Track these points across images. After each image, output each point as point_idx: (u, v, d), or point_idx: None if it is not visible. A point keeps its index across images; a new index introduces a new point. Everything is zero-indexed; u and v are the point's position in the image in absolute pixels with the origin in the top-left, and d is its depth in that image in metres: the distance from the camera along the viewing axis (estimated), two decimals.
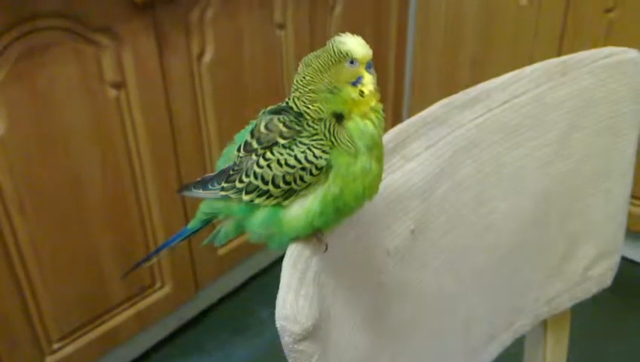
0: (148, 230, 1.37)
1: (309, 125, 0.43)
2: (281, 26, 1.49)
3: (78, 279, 1.27)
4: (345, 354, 0.49)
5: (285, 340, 0.41)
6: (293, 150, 0.42)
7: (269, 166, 0.42)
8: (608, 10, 1.52)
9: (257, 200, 0.43)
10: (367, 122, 0.44)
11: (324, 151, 0.43)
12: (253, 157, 0.43)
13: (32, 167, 1.12)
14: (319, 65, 0.44)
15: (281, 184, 0.43)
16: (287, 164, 0.42)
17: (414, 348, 0.62)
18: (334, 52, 0.44)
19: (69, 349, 1.30)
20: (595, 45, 0.71)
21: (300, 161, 0.42)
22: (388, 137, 0.56)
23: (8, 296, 1.16)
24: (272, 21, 1.47)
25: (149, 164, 1.31)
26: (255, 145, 0.43)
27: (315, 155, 0.42)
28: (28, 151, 1.10)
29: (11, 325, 1.18)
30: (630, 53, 0.71)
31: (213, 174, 0.46)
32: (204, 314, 1.68)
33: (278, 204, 0.43)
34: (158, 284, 1.46)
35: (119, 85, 1.20)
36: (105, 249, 1.30)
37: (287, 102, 0.45)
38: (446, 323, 0.66)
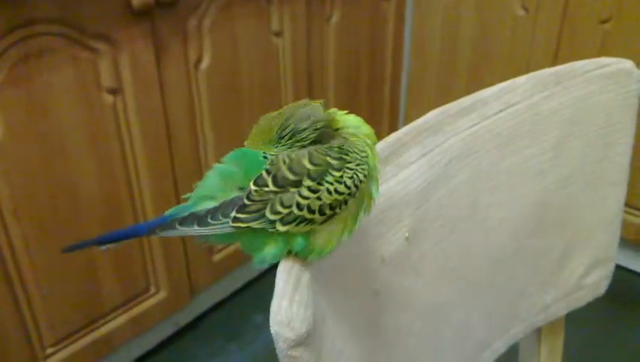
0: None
1: (352, 153, 0.45)
2: (278, 34, 1.50)
3: (72, 284, 1.27)
4: (339, 360, 0.50)
5: (279, 346, 0.41)
6: (342, 177, 0.44)
7: (318, 198, 0.43)
8: (604, 21, 1.53)
9: (294, 229, 0.43)
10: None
11: (364, 176, 0.45)
12: (292, 190, 0.43)
13: (28, 172, 1.12)
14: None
15: (327, 211, 0.44)
16: (337, 192, 0.44)
17: (409, 355, 0.62)
18: None
19: (62, 354, 1.30)
20: (590, 55, 0.72)
21: (349, 188, 0.44)
22: (383, 145, 0.57)
23: (2, 300, 1.16)
24: (269, 29, 1.47)
25: (145, 170, 1.31)
26: (292, 177, 0.43)
27: (360, 180, 0.44)
28: (24, 156, 1.10)
29: (4, 329, 1.18)
30: (624, 63, 0.72)
31: (207, 208, 0.44)
32: (199, 319, 1.68)
33: (312, 230, 0.44)
34: (153, 290, 1.45)
35: (116, 91, 1.20)
36: (100, 254, 1.30)
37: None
38: (440, 330, 0.66)
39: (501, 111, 0.65)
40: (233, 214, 0.43)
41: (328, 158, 0.44)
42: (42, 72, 1.08)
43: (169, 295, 1.48)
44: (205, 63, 1.35)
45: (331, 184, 0.43)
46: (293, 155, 0.44)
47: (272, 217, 0.43)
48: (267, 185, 0.43)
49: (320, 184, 0.43)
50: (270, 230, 0.43)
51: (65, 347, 1.31)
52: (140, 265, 1.40)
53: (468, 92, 0.64)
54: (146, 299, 1.44)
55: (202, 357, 1.58)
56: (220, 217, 0.43)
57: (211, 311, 1.71)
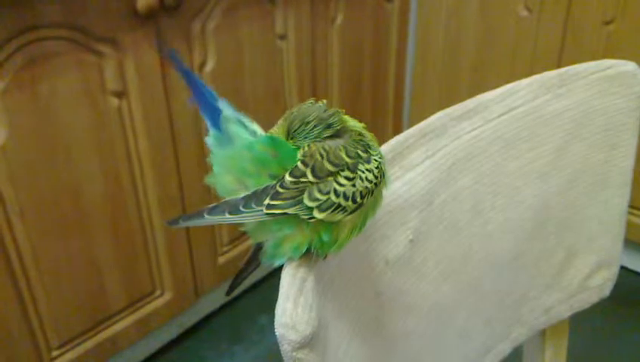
0: (149, 238, 1.38)
1: (372, 143, 0.47)
2: (283, 37, 1.50)
3: (78, 286, 1.27)
4: None
5: (284, 348, 0.42)
6: (370, 166, 0.46)
7: (353, 185, 0.44)
8: (607, 23, 1.53)
9: (329, 218, 0.44)
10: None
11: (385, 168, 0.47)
12: (329, 179, 0.44)
13: (34, 174, 1.13)
14: None
15: (358, 199, 0.45)
16: (367, 180, 0.45)
17: (412, 357, 0.63)
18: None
19: (68, 356, 1.31)
20: (594, 57, 0.72)
21: (376, 177, 0.46)
22: (387, 148, 0.57)
23: (8, 302, 1.16)
24: (274, 31, 1.48)
25: (150, 173, 1.32)
26: (332, 168, 0.44)
27: (384, 171, 0.46)
28: (29, 159, 1.11)
29: (11, 331, 1.19)
30: (628, 65, 0.72)
31: (239, 197, 0.45)
32: (204, 321, 1.69)
33: (334, 223, 0.45)
34: (158, 292, 1.46)
35: (121, 94, 1.21)
36: (105, 256, 1.30)
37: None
38: (443, 332, 0.67)
39: (504, 114, 0.65)
40: (267, 201, 0.43)
41: (359, 151, 0.45)
42: (48, 75, 1.09)
43: (174, 297, 1.49)
44: (209, 66, 1.36)
45: (363, 172, 0.45)
46: (326, 147, 0.45)
47: (310, 204, 0.43)
48: (305, 176, 0.44)
49: (354, 172, 0.45)
50: (304, 217, 0.44)
51: (71, 349, 1.31)
52: (145, 267, 1.40)
53: (471, 93, 0.65)
54: (152, 301, 1.45)
55: (207, 359, 1.58)
56: (253, 205, 0.44)
57: (216, 312, 1.71)
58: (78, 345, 1.32)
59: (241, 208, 0.44)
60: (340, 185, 0.44)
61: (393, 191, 0.56)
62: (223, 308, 1.73)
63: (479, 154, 0.64)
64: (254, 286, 1.79)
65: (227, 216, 0.44)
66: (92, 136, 1.19)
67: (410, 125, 0.60)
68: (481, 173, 0.64)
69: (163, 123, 1.30)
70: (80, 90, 1.14)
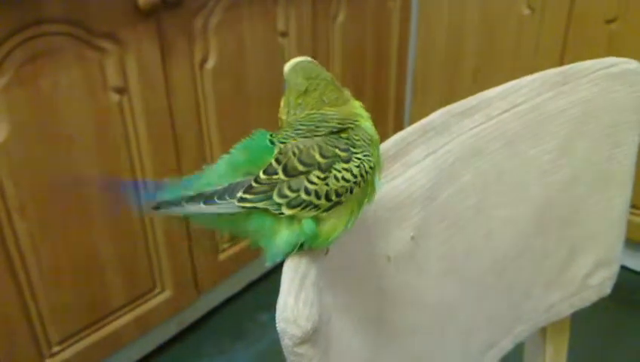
0: (149, 234, 1.38)
1: (359, 142, 0.47)
2: (284, 34, 1.50)
3: (78, 282, 1.27)
4: (345, 358, 0.50)
5: (285, 343, 0.42)
6: (349, 165, 0.46)
7: (326, 183, 0.45)
8: (610, 21, 1.53)
9: (300, 214, 0.45)
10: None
11: (371, 168, 0.46)
12: (301, 177, 0.45)
13: (34, 170, 1.12)
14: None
15: (333, 197, 0.45)
16: (344, 179, 0.45)
17: (414, 353, 0.63)
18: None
19: (68, 352, 1.31)
20: (596, 56, 0.72)
21: (355, 176, 0.45)
22: (388, 145, 0.57)
23: (9, 298, 1.16)
24: (275, 29, 1.48)
25: (151, 169, 1.31)
26: (302, 168, 0.45)
27: (366, 170, 0.46)
28: (30, 155, 1.11)
29: (11, 327, 1.19)
30: (631, 63, 0.72)
31: (215, 189, 0.46)
32: (205, 318, 1.69)
33: (315, 217, 0.45)
34: (158, 289, 1.46)
35: (122, 91, 1.21)
36: (106, 253, 1.30)
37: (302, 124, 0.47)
38: (446, 329, 0.66)
39: (506, 111, 0.65)
40: (240, 194, 0.44)
41: (337, 150, 0.46)
42: (49, 71, 1.09)
43: (174, 294, 1.49)
44: (211, 63, 1.35)
45: (339, 172, 0.45)
46: (301, 146, 0.45)
47: (278, 200, 0.44)
48: (277, 173, 0.45)
49: (328, 172, 0.45)
50: (275, 211, 0.45)
51: (71, 345, 1.31)
52: (145, 264, 1.40)
53: (473, 92, 0.65)
54: (152, 298, 1.45)
55: (207, 356, 1.58)
56: (227, 197, 0.45)
57: (216, 310, 1.71)
58: (79, 341, 1.32)
59: (216, 199, 0.45)
60: (312, 183, 0.45)
61: (395, 187, 0.56)
62: (223, 305, 1.73)
63: (481, 151, 0.64)
64: (254, 283, 1.79)
65: (202, 205, 0.46)
66: (93, 132, 1.19)
67: (412, 123, 0.60)
68: (484, 170, 0.64)
69: (164, 119, 1.30)
70: (81, 86, 1.14)
